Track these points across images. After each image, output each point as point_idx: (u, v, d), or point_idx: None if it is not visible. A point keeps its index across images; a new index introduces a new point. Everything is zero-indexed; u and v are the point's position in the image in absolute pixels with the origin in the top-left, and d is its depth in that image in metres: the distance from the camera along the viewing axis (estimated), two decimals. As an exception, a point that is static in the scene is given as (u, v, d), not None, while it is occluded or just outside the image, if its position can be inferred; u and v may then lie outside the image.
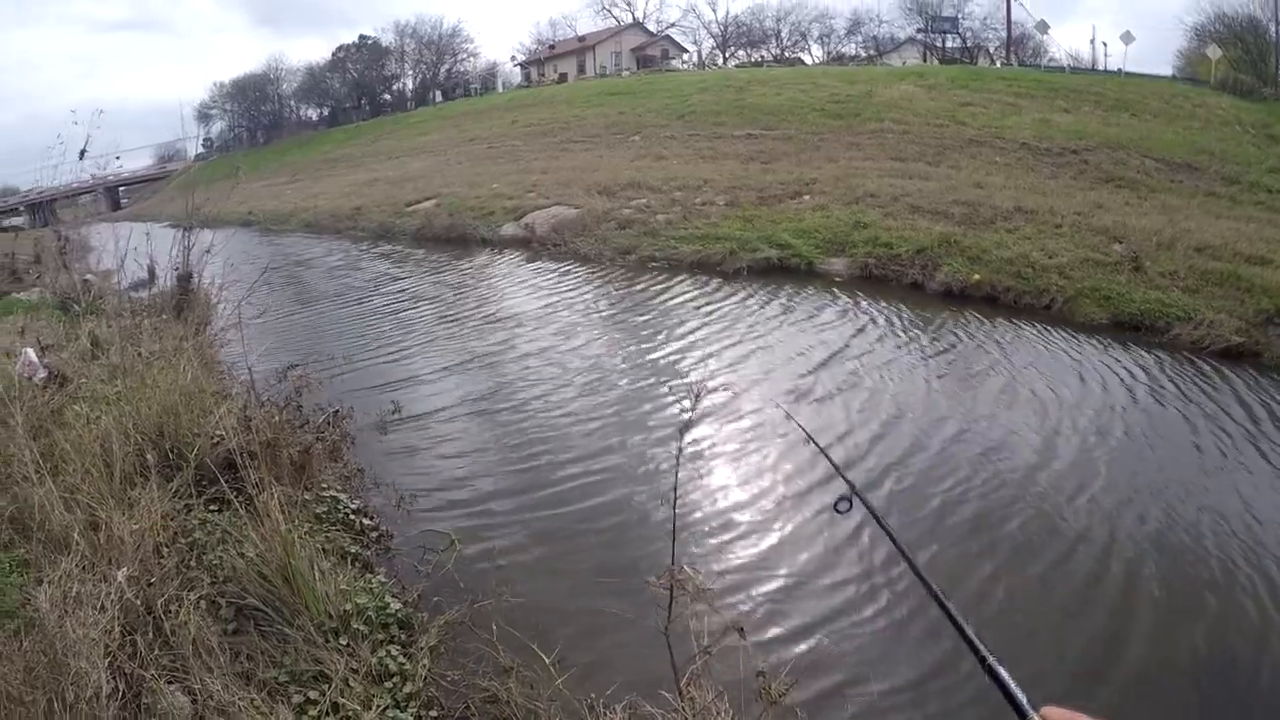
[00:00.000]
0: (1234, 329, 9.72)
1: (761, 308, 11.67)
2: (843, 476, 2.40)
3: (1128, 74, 33.99)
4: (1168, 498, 6.14)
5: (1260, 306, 10.21)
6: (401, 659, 4.01)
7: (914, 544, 5.40)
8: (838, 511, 2.20)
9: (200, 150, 79.37)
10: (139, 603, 3.84)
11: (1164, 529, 5.71)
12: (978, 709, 3.82)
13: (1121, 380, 8.75)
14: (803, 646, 4.45)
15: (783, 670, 3.83)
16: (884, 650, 4.41)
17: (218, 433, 5.55)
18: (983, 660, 1.20)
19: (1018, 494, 6.22)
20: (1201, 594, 4.94)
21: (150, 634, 3.73)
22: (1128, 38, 34.95)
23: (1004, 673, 1.13)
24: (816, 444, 3.50)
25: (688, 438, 6.94)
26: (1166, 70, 39.71)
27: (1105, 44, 52.16)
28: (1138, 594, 4.96)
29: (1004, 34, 50.66)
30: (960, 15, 53.27)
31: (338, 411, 7.10)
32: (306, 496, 5.45)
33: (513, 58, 72.76)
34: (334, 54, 76.81)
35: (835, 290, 12.49)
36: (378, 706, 3.63)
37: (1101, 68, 39.03)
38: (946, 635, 4.01)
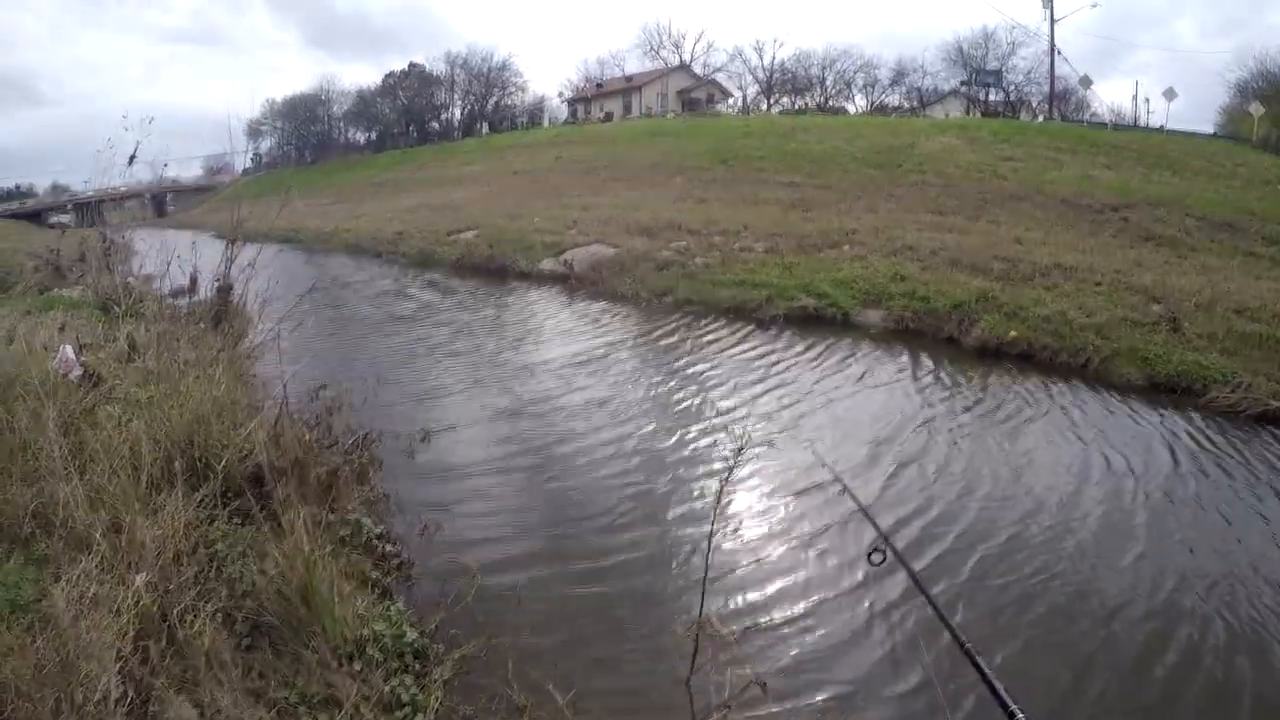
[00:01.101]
0: (1270, 392, 9.67)
1: (802, 356, 11.71)
2: (875, 526, 2.49)
3: (1170, 131, 34.02)
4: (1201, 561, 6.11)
5: None
6: (414, 690, 4.02)
7: (947, 604, 5.29)
8: (871, 563, 2.30)
9: (248, 165, 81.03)
10: (155, 609, 3.86)
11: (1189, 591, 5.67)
12: None
13: (1156, 444, 8.70)
14: (826, 706, 4.38)
15: None
16: (910, 712, 4.35)
17: (247, 446, 5.62)
18: (1011, 714, 1.30)
19: (1047, 554, 6.17)
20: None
21: (163, 642, 3.75)
22: (1170, 94, 35.11)
23: None
24: (854, 496, 3.56)
25: (727, 487, 6.95)
26: (1208, 127, 39.69)
27: (1148, 100, 51.87)
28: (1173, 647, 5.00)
29: (1047, 88, 50.61)
30: (1004, 69, 53.47)
31: (367, 435, 7.18)
32: (331, 518, 5.51)
33: (560, 94, 73.70)
34: (384, 79, 78.33)
35: (871, 341, 12.56)
36: (387, 736, 3.63)
37: (1144, 124, 39.01)
38: (975, 700, 4.15)
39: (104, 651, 3.40)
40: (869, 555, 2.33)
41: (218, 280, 10.97)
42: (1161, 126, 35.82)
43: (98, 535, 4.24)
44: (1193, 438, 8.87)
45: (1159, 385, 10.31)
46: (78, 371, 7.06)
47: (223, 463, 5.36)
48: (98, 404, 6.32)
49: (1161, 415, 9.55)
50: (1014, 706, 1.27)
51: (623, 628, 5.00)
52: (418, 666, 4.26)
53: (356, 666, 4.02)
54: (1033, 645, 4.99)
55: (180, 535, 4.51)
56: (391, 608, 4.69)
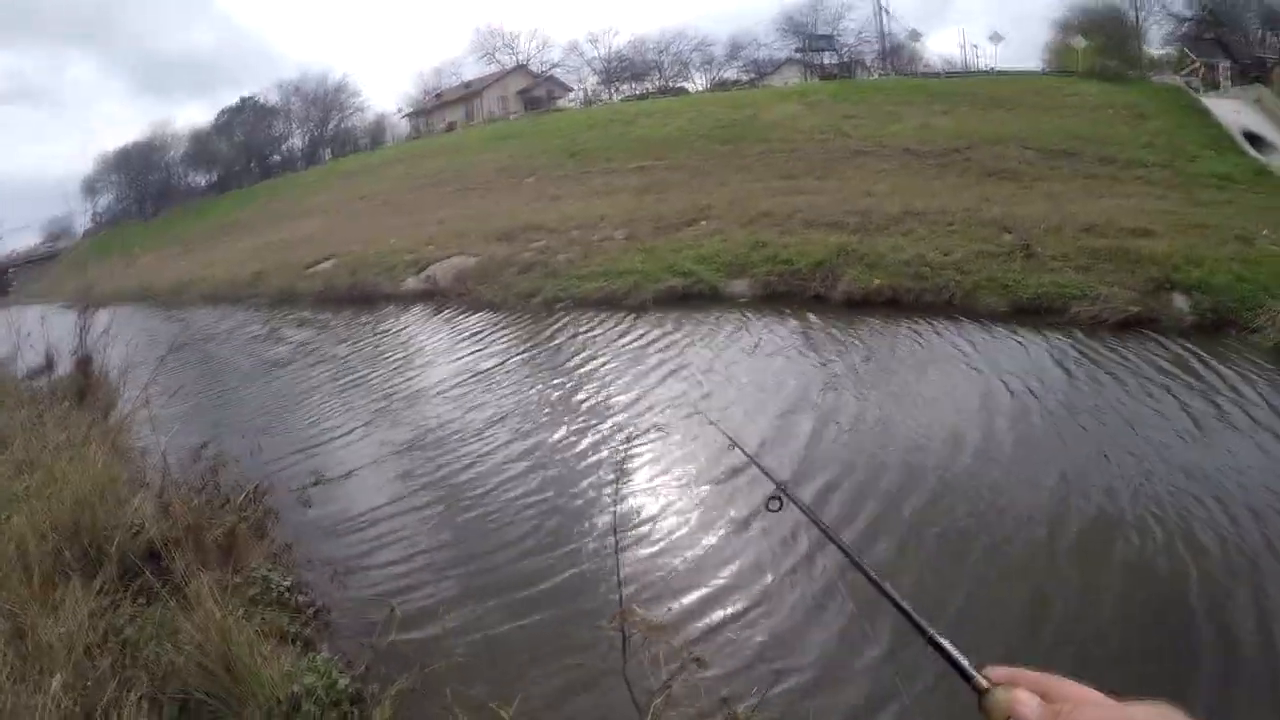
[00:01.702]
0: (1128, 300, 10.05)
1: (670, 336, 11.64)
2: (768, 476, 2.37)
3: (1000, 72, 35.40)
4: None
5: (1150, 276, 10.58)
6: None
7: (847, 535, 5.37)
8: (769, 510, 2.18)
9: (89, 225, 77.04)
10: (78, 710, 3.61)
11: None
12: (929, 689, 3.82)
13: (1043, 363, 9.02)
14: (761, 665, 4.42)
15: (746, 693, 3.89)
16: (840, 653, 4.44)
17: (136, 522, 5.32)
18: (923, 632, 1.21)
19: (932, 476, 6.42)
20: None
21: None
22: (996, 38, 36.62)
23: (946, 643, 1.14)
24: (742, 449, 3.53)
25: (623, 476, 6.84)
26: (1037, 65, 41.24)
27: (976, 46, 53.92)
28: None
29: (879, 47, 52.01)
30: (835, 32, 54.60)
31: (257, 487, 6.76)
32: (237, 579, 5.20)
33: (399, 110, 72.27)
34: (218, 117, 75.37)
35: (740, 310, 12.54)
36: (341, 789, 3.42)
37: (975, 69, 40.32)
38: (897, 624, 4.01)
39: None
40: (766, 504, 2.12)
41: (75, 353, 10.39)
42: (991, 69, 37.09)
43: (1, 645, 3.90)
44: (1070, 352, 9.22)
45: (1022, 309, 10.67)
46: None
47: (114, 544, 5.05)
48: (-31, 507, 5.87)
49: (1033, 336, 9.87)
50: (930, 631, 1.12)
51: (551, 632, 4.90)
52: (357, 712, 4.11)
53: None
54: (975, 574, 5.17)
55: (86, 628, 4.19)
56: (318, 658, 4.47)
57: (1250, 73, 33.98)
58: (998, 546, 5.45)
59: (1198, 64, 34.98)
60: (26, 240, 72.79)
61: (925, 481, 6.45)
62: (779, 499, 2.11)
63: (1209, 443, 6.81)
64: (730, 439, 3.99)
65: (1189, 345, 9.13)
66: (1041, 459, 6.68)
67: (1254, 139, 22.93)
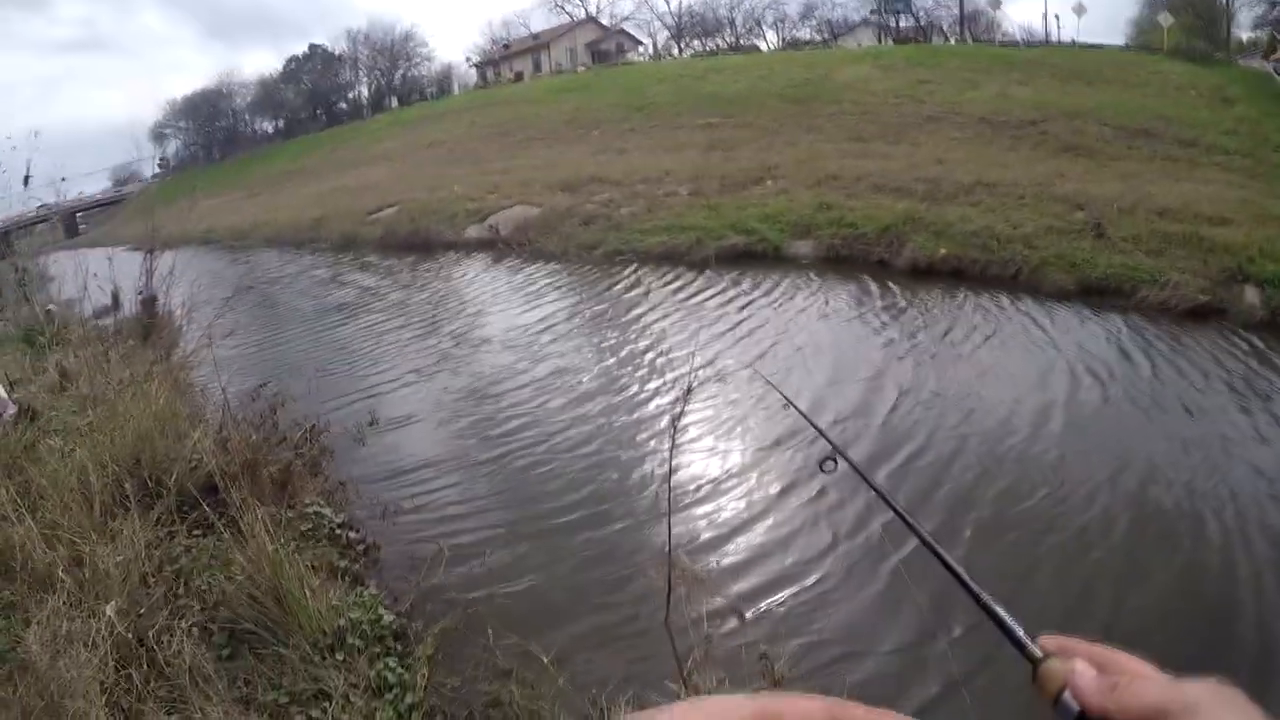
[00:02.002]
0: (1199, 289, 9.82)
1: (730, 292, 11.65)
2: (823, 435, 2.41)
3: (1081, 45, 34.30)
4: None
5: (1223, 265, 10.31)
6: (400, 670, 3.98)
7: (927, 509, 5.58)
8: (823, 471, 2.20)
9: (156, 170, 78.03)
10: (130, 636, 3.75)
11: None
12: (974, 659, 3.85)
13: (1088, 344, 8.90)
14: (803, 622, 4.45)
15: (785, 649, 3.91)
16: (881, 617, 4.47)
17: (195, 457, 5.50)
18: (977, 598, 1.18)
19: (988, 450, 6.40)
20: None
21: (145, 666, 3.65)
22: (1080, 9, 35.25)
23: (1000, 609, 1.04)
24: (797, 408, 3.50)
25: (679, 427, 6.89)
26: (1120, 40, 40.05)
27: (1058, 16, 52.35)
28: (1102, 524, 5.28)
29: (957, 12, 50.80)
30: (912, -6, 53.49)
31: (314, 426, 6.94)
32: (290, 514, 5.38)
33: (467, 59, 71.96)
34: (286, 65, 75.74)
35: (802, 271, 12.49)
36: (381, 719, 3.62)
37: (1055, 40, 39.29)
38: (945, 591, 4.03)
39: (88, 687, 3.32)
40: (820, 465, 2.16)
41: (140, 293, 10.65)
42: (1073, 41, 36.10)
43: (60, 572, 4.10)
44: (1133, 337, 9.07)
45: (1089, 289, 10.47)
46: (11, 410, 6.77)
47: (173, 477, 5.22)
48: (38, 439, 6.07)
49: (1098, 317, 9.71)
50: (985, 596, 1.10)
51: (595, 579, 4.98)
52: (399, 647, 4.23)
53: (340, 657, 3.95)
54: (1036, 552, 5.13)
55: (143, 557, 4.40)
56: (364, 594, 4.61)
57: (1344, 60, 32.69)
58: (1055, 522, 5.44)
59: (1288, 49, 33.75)
60: (96, 185, 74.00)
61: (972, 452, 6.45)
62: (834, 459, 2.14)
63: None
64: (785, 398, 4.00)
65: (1258, 341, 8.86)
66: (1101, 442, 6.59)
67: (1343, 131, 22.06)
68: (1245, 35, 39.95)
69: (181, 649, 3.71)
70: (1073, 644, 0.89)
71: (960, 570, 1.24)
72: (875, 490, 1.95)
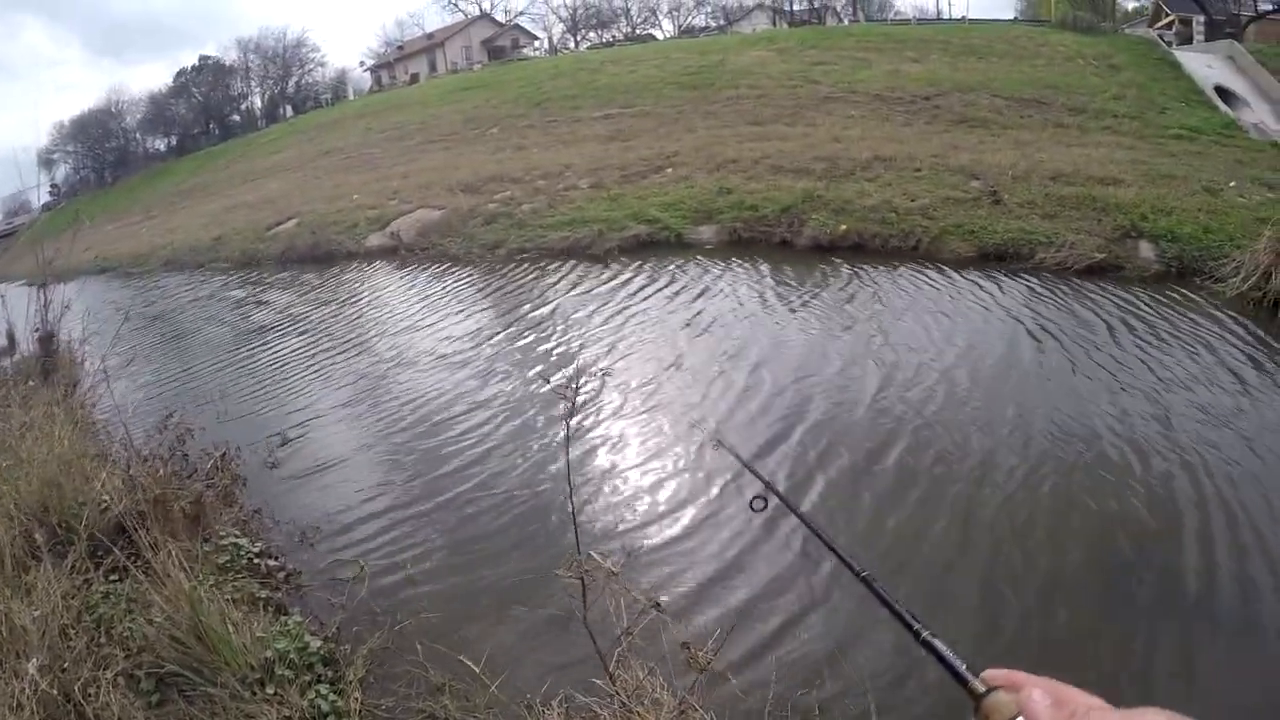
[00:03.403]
0: (1094, 247, 10.07)
1: (630, 284, 11.56)
2: (754, 472, 2.35)
3: (972, 20, 35.09)
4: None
5: (1117, 224, 10.62)
6: (333, 697, 3.90)
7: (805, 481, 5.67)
8: (753, 509, 2.13)
9: (47, 198, 75.06)
10: (56, 692, 3.66)
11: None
12: (891, 638, 3.91)
13: (988, 305, 9.11)
14: (721, 610, 4.46)
15: (707, 638, 3.90)
16: (799, 602, 4.47)
17: (104, 498, 5.27)
18: (917, 635, 1.17)
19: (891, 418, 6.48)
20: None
21: None
22: (968, -15, 36.04)
23: (940, 644, 1.11)
24: (727, 446, 3.58)
25: (573, 424, 6.77)
26: (1009, 14, 41.09)
27: (949, -6, 53.68)
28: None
29: (849, -7, 51.60)
30: (805, -23, 54.09)
31: (224, 454, 6.69)
32: (206, 548, 5.17)
33: (361, 63, 71.06)
34: (175, 79, 73.71)
35: (705, 257, 12.40)
36: (316, 750, 3.49)
37: (946, 17, 40.10)
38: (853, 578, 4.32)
39: None
40: (750, 503, 2.06)
41: (37, 331, 10.20)
42: (963, 17, 36.95)
43: None
44: (1033, 294, 9.37)
45: (988, 255, 10.70)
46: None
47: (83, 522, 5.04)
48: (-62, 498, 5.84)
49: (994, 280, 9.92)
50: (923, 631, 1.21)
51: (516, 582, 4.93)
52: (330, 673, 4.15)
53: (270, 690, 3.84)
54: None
55: (60, 609, 4.28)
56: (289, 622, 4.48)
57: (1224, 28, 33.88)
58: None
59: (1172, 18, 34.91)
60: (-16, 220, 71.10)
61: (859, 412, 6.65)
62: (764, 497, 2.09)
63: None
64: (719, 441, 4.06)
65: (1151, 291, 9.19)
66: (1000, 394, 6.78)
67: (1225, 94, 22.84)
68: (1130, 4, 41.35)
69: (109, 701, 3.63)
70: (1020, 677, 0.95)
71: (900, 609, 1.24)
72: (812, 530, 1.83)
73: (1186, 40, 32.13)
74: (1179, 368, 7.16)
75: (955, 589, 4.52)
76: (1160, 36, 30.58)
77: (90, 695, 3.67)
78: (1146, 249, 10.12)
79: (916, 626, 1.17)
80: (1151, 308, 8.69)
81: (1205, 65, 25.05)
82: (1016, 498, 5.32)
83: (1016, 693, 0.93)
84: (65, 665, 3.86)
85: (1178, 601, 4.28)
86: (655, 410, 7.21)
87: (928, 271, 10.47)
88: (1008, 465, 5.71)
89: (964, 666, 1.03)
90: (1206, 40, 31.78)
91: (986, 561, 4.71)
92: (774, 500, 2.15)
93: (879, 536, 5.08)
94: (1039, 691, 0.91)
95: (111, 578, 4.69)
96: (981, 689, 0.98)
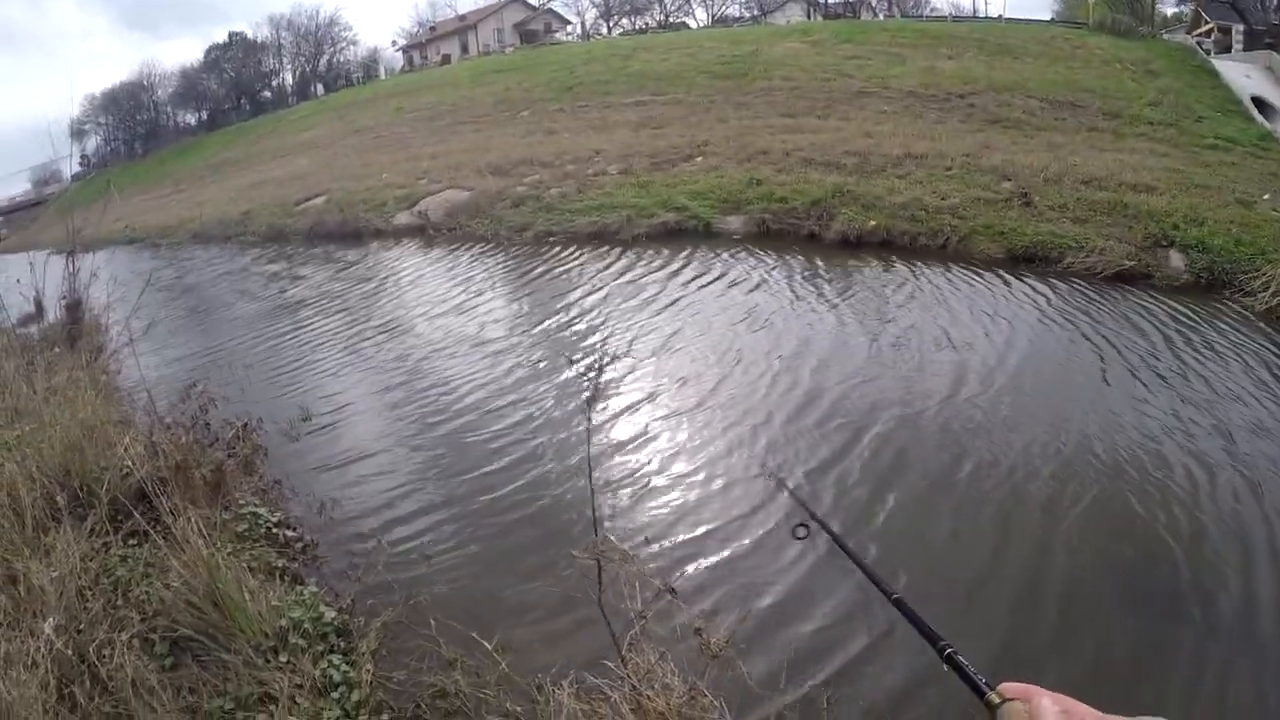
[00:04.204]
0: (1124, 254, 10.00)
1: (656, 269, 11.61)
2: (798, 499, 2.38)
3: (1008, 20, 34.84)
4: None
5: (1148, 231, 10.53)
6: (345, 667, 3.94)
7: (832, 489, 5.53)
8: (795, 538, 2.19)
9: (77, 169, 75.54)
10: (71, 652, 3.73)
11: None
12: (909, 642, 3.76)
13: (1019, 308, 9.04)
14: (735, 597, 4.44)
15: (720, 624, 3.94)
16: (811, 591, 4.42)
17: (125, 463, 5.35)
18: (941, 650, 1.24)
19: (922, 423, 6.41)
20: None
21: (87, 683, 3.62)
22: (1006, -17, 35.77)
23: (961, 657, 1.19)
24: (779, 479, 3.51)
25: (595, 409, 6.82)
26: (1046, 15, 40.79)
27: (985, -9, 53.31)
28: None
29: (885, -13, 51.27)
30: (841, -30, 53.72)
31: (246, 424, 6.81)
32: (225, 516, 5.26)
33: (393, 43, 71.19)
34: (207, 54, 74.04)
35: (733, 247, 12.40)
36: (328, 719, 3.60)
37: (983, 15, 39.81)
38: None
39: (29, 709, 3.32)
40: (793, 531, 2.15)
41: (64, 298, 10.40)
42: (1000, 16, 36.64)
43: None
44: (1065, 300, 9.29)
45: (1017, 257, 10.62)
46: None
47: (104, 486, 5.12)
48: (-37, 455, 5.94)
49: (1022, 282, 9.88)
50: (945, 643, 1.30)
51: (531, 562, 4.93)
52: (343, 644, 4.20)
53: (283, 658, 3.89)
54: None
55: (78, 570, 4.36)
56: (305, 592, 4.54)
57: (1263, 38, 33.48)
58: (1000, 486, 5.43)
59: (1211, 25, 34.52)
60: (16, 188, 71.61)
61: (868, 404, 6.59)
62: (806, 525, 2.13)
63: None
64: (771, 472, 4.02)
65: (1180, 303, 9.07)
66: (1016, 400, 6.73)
67: (1261, 104, 22.58)
68: (1170, 10, 40.96)
69: (124, 662, 3.65)
70: (1034, 690, 1.03)
71: (924, 622, 1.34)
72: (848, 553, 1.90)
73: (1225, 49, 31.75)
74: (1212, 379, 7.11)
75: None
76: (1198, 44, 30.24)
77: (105, 656, 3.72)
78: (1176, 259, 10.04)
79: (942, 643, 1.24)
80: (1179, 319, 8.61)
81: (1243, 75, 24.79)
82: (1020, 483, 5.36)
83: (1028, 703, 1.02)
84: (81, 626, 3.93)
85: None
86: (684, 401, 7.18)
87: (952, 269, 10.47)
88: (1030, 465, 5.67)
89: (983, 680, 1.13)
90: (1245, 50, 31.40)
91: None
92: (816, 525, 2.21)
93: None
94: (1048, 700, 1.00)
95: (130, 542, 4.78)
96: (997, 700, 1.07)
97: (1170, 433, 6.05)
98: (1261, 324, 8.43)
